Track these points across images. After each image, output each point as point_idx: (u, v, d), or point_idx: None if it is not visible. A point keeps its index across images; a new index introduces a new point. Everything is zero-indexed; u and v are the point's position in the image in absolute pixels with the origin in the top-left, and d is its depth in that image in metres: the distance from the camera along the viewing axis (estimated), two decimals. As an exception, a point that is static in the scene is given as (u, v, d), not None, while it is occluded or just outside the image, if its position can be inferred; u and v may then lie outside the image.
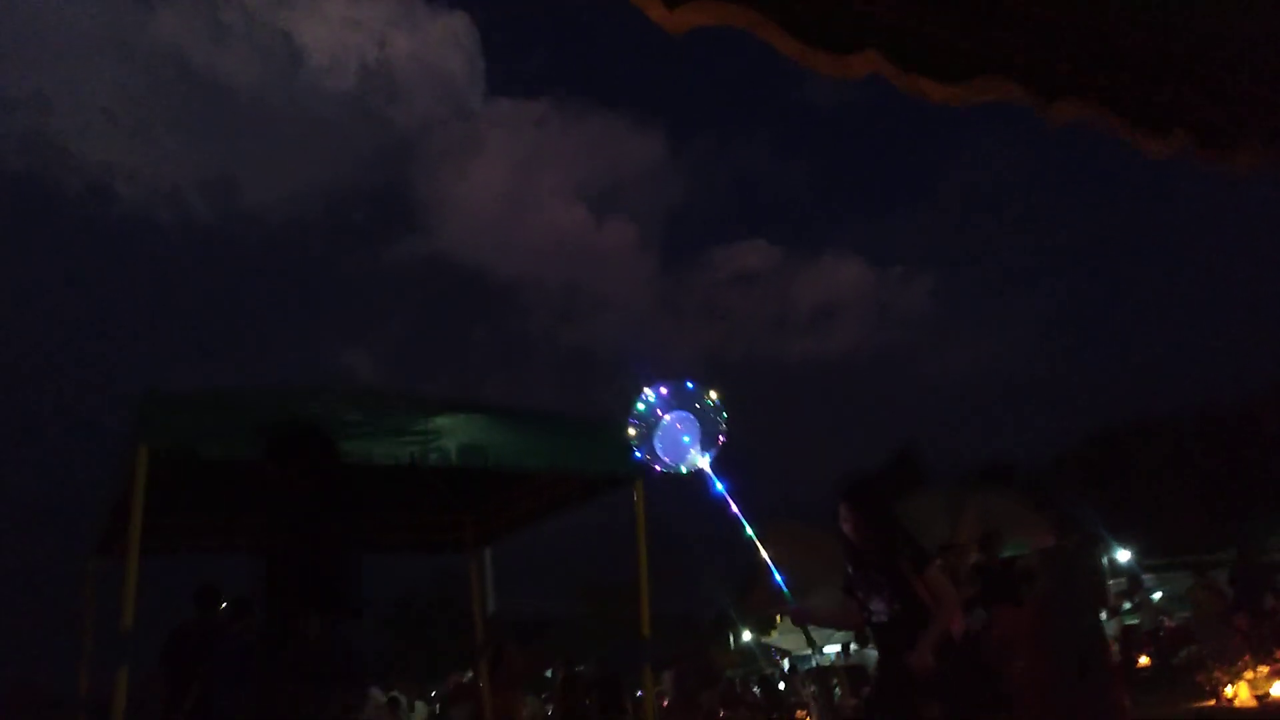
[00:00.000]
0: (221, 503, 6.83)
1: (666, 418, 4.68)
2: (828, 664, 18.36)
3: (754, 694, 18.05)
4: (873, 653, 11.11)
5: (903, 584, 4.16)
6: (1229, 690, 8.06)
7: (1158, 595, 17.54)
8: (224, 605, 7.82)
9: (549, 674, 14.41)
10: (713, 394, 4.80)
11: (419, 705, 17.95)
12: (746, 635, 23.48)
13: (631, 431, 4.72)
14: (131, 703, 4.39)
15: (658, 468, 4.69)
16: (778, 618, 17.27)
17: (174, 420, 4.82)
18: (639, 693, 17.54)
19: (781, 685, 18.58)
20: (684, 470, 4.67)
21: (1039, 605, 7.41)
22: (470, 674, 13.05)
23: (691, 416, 4.70)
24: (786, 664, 22.09)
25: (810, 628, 14.46)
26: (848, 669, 16.50)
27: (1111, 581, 18.23)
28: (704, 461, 4.63)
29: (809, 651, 17.91)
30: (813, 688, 17.69)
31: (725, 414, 4.77)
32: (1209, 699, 8.24)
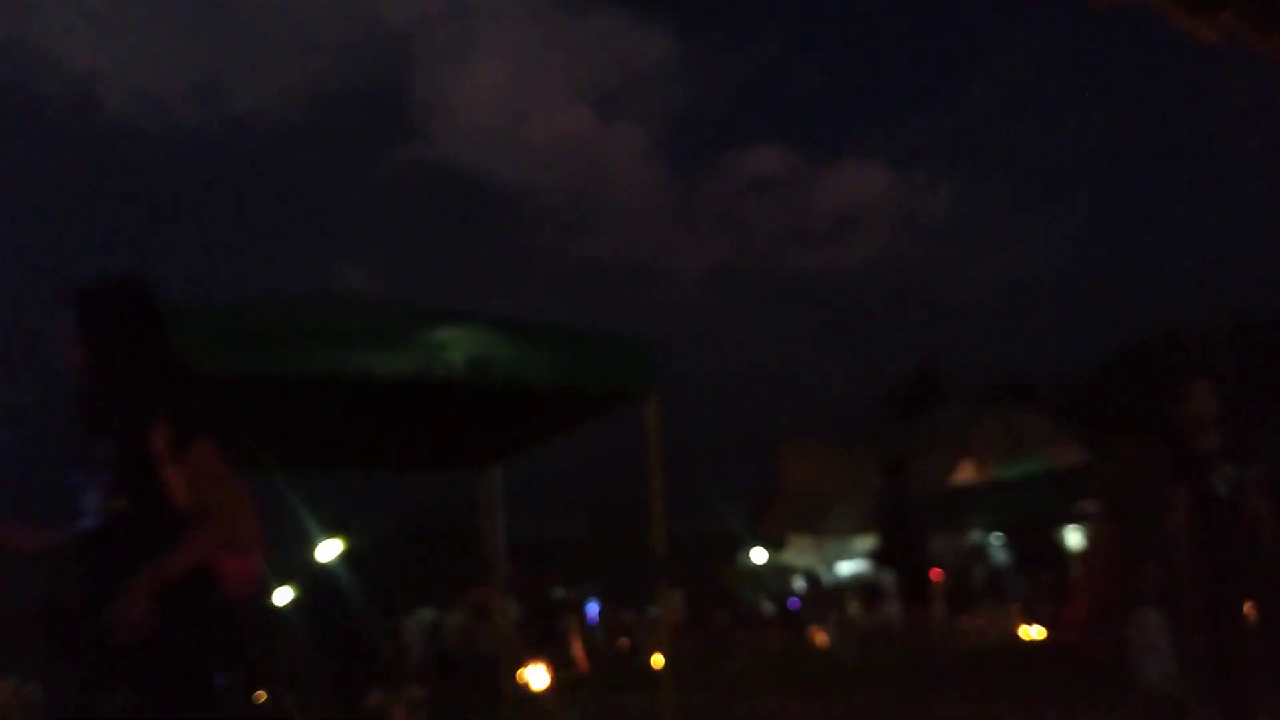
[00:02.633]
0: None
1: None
2: (843, 581, 18.47)
3: (767, 612, 18.17)
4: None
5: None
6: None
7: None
8: None
9: (558, 592, 14.44)
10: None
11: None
12: (759, 553, 23.59)
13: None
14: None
15: None
16: (791, 537, 17.26)
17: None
18: (653, 611, 17.68)
19: (795, 602, 18.72)
20: None
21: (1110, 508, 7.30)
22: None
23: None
24: (801, 582, 22.28)
25: (825, 545, 14.40)
26: (862, 586, 16.57)
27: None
28: None
29: (820, 569, 17.96)
30: (827, 605, 17.81)
31: None
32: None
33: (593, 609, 19.66)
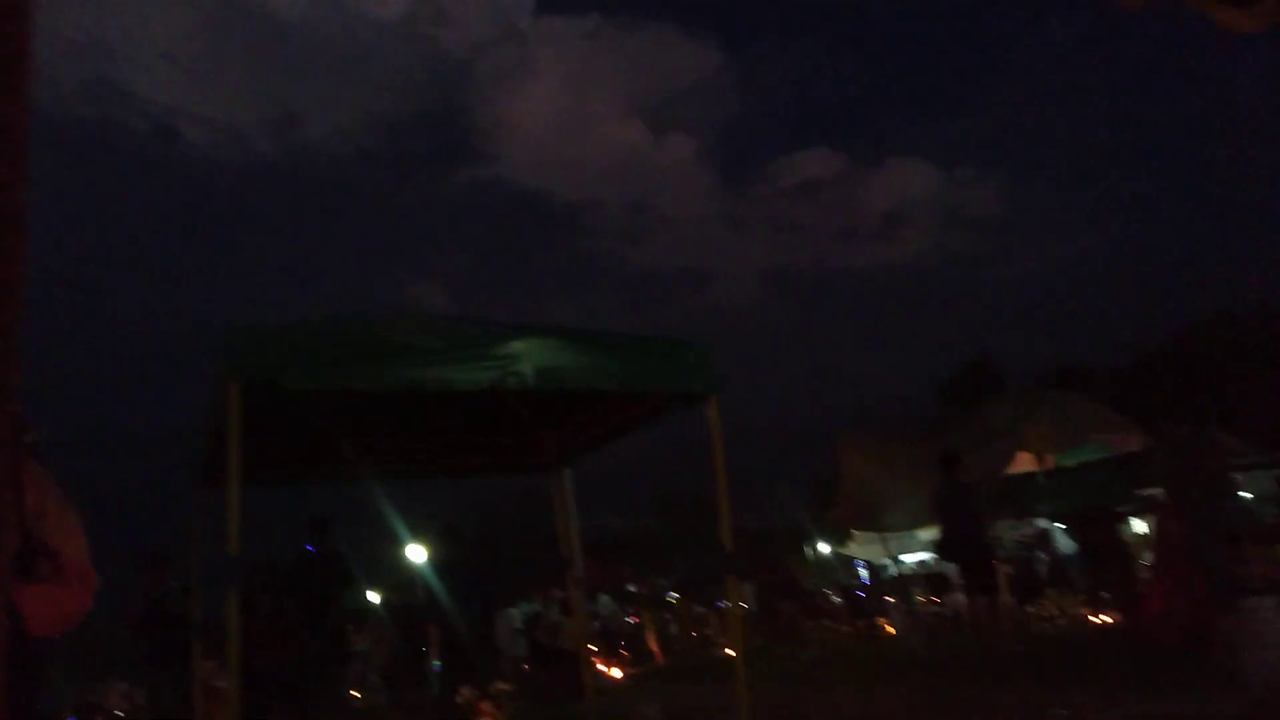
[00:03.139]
0: (311, 432, 7.07)
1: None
2: (908, 572, 18.47)
3: (834, 603, 18.27)
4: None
5: None
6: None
7: (1248, 496, 17.12)
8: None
9: (631, 588, 14.78)
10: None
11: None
12: (823, 546, 23.65)
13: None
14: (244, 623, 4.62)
15: None
16: (853, 529, 17.35)
17: (260, 354, 4.94)
18: (722, 604, 17.91)
19: (861, 594, 18.78)
20: None
21: (1177, 498, 7.41)
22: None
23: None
24: (865, 573, 22.28)
25: (888, 537, 14.48)
26: (928, 576, 16.61)
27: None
28: None
29: (887, 560, 17.99)
30: (893, 595, 17.85)
31: None
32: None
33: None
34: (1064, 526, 14.05)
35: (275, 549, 8.44)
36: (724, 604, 16.80)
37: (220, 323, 5.17)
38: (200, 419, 6.06)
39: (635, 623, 15.12)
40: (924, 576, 17.07)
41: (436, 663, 9.37)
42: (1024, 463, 9.82)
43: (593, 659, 13.14)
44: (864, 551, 19.88)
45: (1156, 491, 9.05)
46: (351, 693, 12.88)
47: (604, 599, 13.59)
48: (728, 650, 12.18)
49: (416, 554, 9.60)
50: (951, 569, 11.62)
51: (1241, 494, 17.17)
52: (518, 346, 5.47)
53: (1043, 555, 15.48)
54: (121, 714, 15.66)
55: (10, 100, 1.02)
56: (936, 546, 11.37)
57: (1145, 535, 12.50)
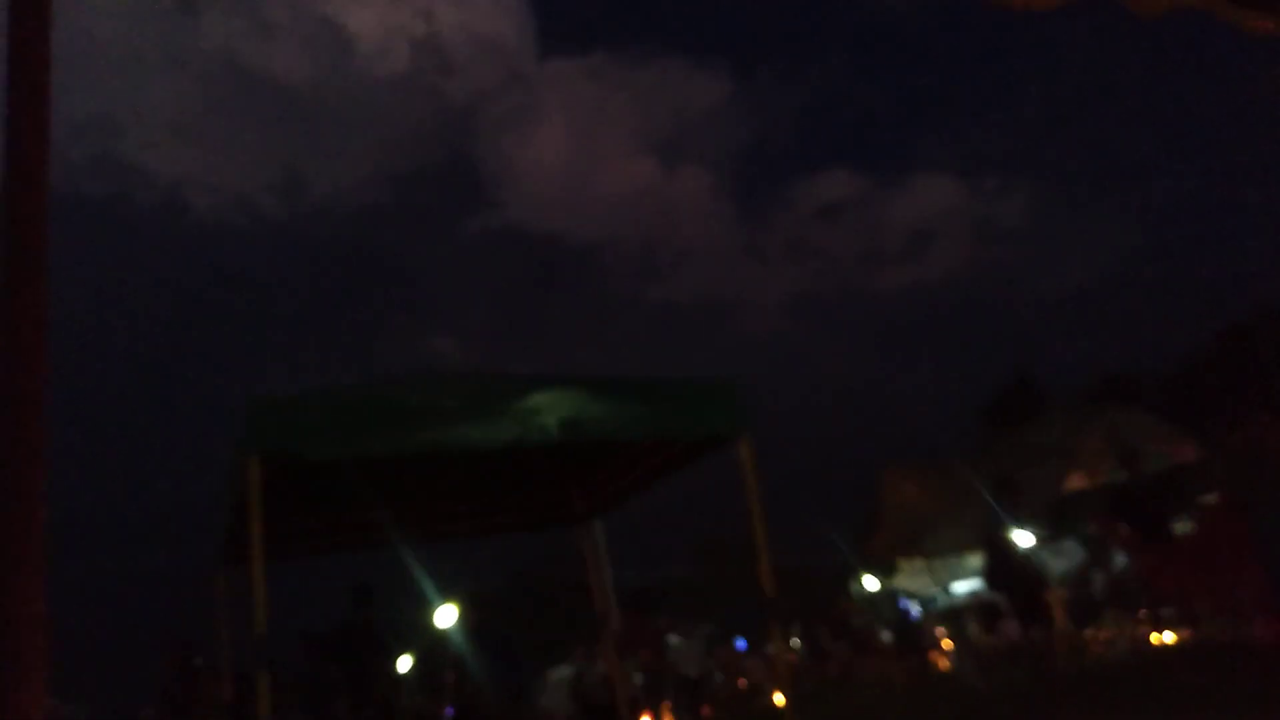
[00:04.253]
0: (330, 502, 6.97)
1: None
2: (960, 603, 18.01)
3: (884, 641, 17.80)
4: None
5: None
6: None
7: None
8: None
9: (673, 639, 14.47)
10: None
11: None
12: (869, 581, 23.17)
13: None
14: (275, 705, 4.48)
15: None
16: (900, 561, 16.97)
17: (281, 425, 4.85)
18: (768, 649, 17.52)
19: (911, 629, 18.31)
20: None
21: (1240, 506, 7.16)
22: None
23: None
24: (915, 607, 21.77)
25: (935, 565, 14.12)
26: (980, 606, 16.16)
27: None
28: None
29: (936, 590, 17.58)
30: (945, 627, 17.38)
31: None
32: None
33: (740, 644, 19.48)
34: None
35: (310, 620, 8.33)
36: (769, 650, 16.44)
37: (238, 393, 5.09)
38: (220, 496, 5.97)
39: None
40: (975, 607, 16.62)
41: None
42: (1078, 481, 9.53)
43: (637, 713, 12.85)
44: (912, 583, 19.46)
45: (1212, 499, 8.74)
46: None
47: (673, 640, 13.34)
48: (776, 697, 11.85)
49: (446, 617, 9.44)
50: (1002, 598, 11.29)
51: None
52: (538, 400, 5.35)
53: (1099, 575, 15.03)
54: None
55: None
56: (984, 574, 11.05)
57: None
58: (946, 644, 16.15)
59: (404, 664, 18.77)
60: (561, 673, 16.25)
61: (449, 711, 10.96)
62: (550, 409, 5.33)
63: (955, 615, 17.16)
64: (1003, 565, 10.09)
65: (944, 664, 15.36)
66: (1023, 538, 10.07)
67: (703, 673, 12.78)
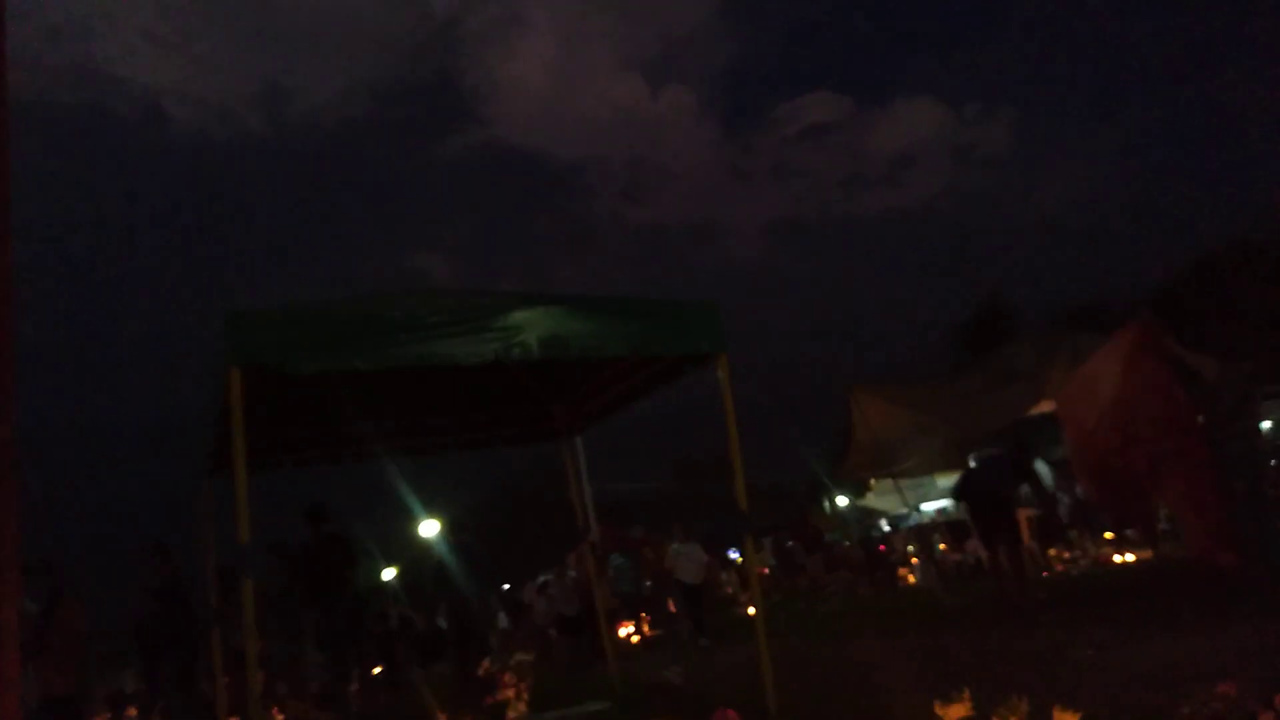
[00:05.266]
0: (317, 415, 7.03)
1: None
2: (927, 521, 18.48)
3: (854, 556, 18.31)
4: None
5: None
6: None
7: (1266, 425, 17.02)
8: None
9: (675, 547, 14.82)
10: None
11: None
12: (841, 499, 23.69)
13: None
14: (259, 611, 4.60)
15: None
16: (872, 481, 17.30)
17: (261, 339, 4.85)
18: (738, 559, 17.96)
19: (881, 545, 18.81)
20: None
21: (1202, 430, 7.32)
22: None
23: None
24: (885, 524, 22.31)
25: (906, 485, 14.41)
26: (948, 524, 16.61)
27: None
28: None
29: (905, 510, 17.99)
30: (914, 545, 17.88)
31: None
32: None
33: (732, 554, 19.73)
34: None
35: (289, 534, 8.45)
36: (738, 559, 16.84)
37: (219, 306, 5.08)
38: (203, 408, 6.01)
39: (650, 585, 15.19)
40: (944, 525, 17.07)
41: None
42: (1045, 405, 9.69)
43: (615, 623, 13.23)
44: (882, 502, 19.87)
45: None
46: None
47: (616, 560, 13.65)
48: (748, 609, 12.22)
49: (429, 530, 9.63)
50: (969, 516, 11.58)
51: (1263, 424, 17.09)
52: (520, 317, 5.38)
53: (1064, 497, 15.44)
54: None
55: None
56: (953, 493, 11.31)
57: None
58: (914, 559, 16.63)
59: (388, 575, 19.19)
60: (536, 581, 16.65)
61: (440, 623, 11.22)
62: (532, 326, 5.37)
63: (923, 532, 17.60)
64: (971, 484, 10.38)
65: (911, 579, 15.84)
66: (990, 459, 10.34)
67: (702, 579, 13.11)
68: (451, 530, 9.60)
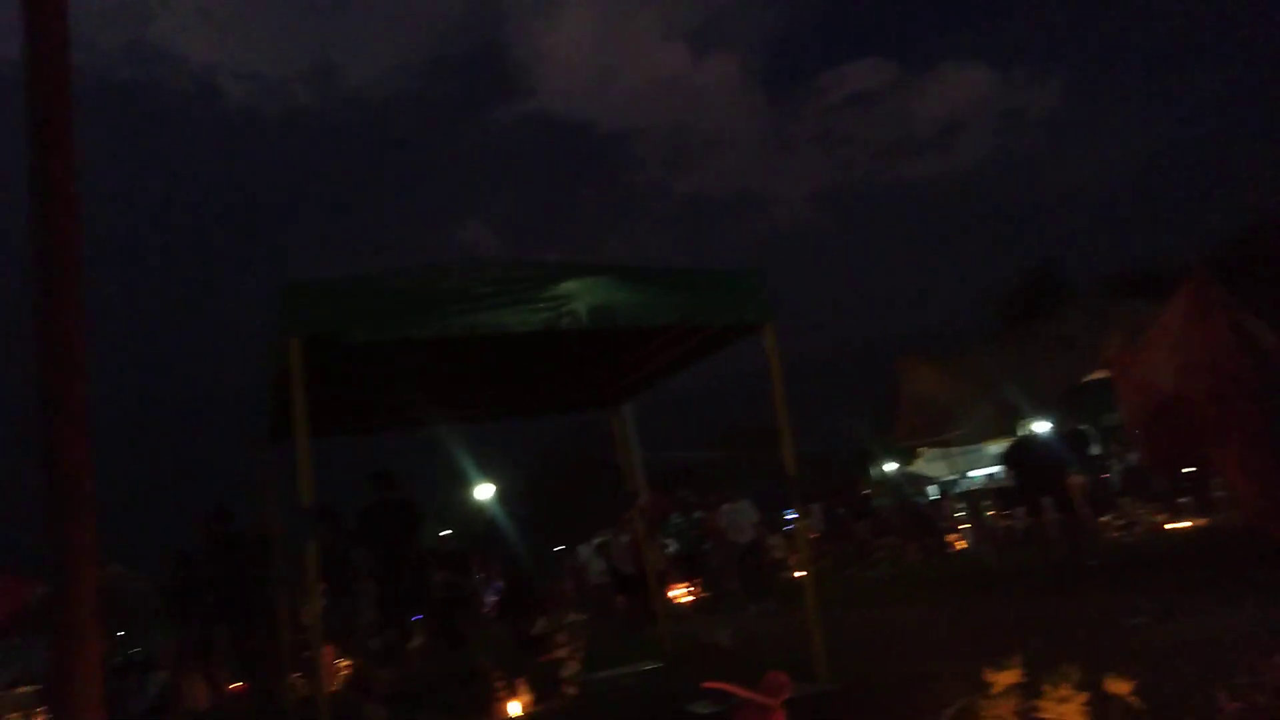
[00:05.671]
0: (373, 384, 7.19)
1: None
2: (976, 487, 18.36)
3: (901, 520, 18.25)
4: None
5: None
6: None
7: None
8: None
9: (698, 515, 14.96)
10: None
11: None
12: (889, 466, 23.56)
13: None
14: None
15: None
16: (918, 449, 17.22)
17: (318, 310, 4.99)
18: (789, 526, 18.03)
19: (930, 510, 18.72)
20: None
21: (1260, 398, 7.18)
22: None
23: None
24: (934, 490, 22.17)
25: (954, 453, 14.28)
26: (997, 490, 16.48)
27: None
28: None
29: (954, 477, 17.89)
30: (963, 510, 17.77)
31: None
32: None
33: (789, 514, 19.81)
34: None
35: (348, 500, 8.64)
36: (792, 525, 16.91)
37: (276, 279, 5.20)
38: (263, 377, 6.18)
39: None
40: (994, 491, 16.95)
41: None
42: (1098, 372, 9.55)
43: (666, 585, 13.41)
44: (931, 469, 19.77)
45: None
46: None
47: (677, 519, 13.86)
48: (797, 573, 12.30)
49: (484, 492, 9.81)
50: (1020, 483, 11.48)
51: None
52: (570, 286, 5.46)
53: (1117, 464, 15.24)
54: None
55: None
56: (1004, 460, 11.23)
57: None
58: (963, 526, 16.56)
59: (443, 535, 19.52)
60: (592, 543, 16.94)
61: (495, 586, 11.43)
62: (581, 295, 5.45)
63: (973, 498, 17.47)
64: (1022, 451, 10.30)
65: (960, 544, 15.78)
66: (1042, 427, 10.23)
67: (754, 539, 13.25)
68: (503, 495, 9.79)
